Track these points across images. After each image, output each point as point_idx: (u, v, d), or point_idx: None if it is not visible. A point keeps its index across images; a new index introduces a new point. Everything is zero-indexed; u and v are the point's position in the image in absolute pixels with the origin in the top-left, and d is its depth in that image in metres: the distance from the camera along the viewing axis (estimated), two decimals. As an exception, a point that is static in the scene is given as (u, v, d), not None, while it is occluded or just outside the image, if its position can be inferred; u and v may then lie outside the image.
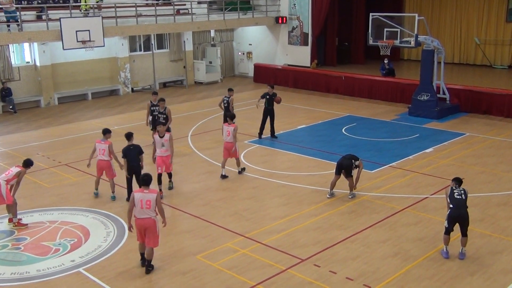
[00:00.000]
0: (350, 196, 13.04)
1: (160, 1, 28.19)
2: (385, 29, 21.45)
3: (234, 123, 14.76)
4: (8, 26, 21.76)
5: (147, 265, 9.83)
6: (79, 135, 19.50)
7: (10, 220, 11.86)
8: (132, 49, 28.27)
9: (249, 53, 32.22)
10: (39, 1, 23.98)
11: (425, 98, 21.27)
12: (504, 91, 21.47)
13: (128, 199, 12.90)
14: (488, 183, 13.93)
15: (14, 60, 24.41)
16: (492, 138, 18.20)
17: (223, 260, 10.14)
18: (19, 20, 21.80)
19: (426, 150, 16.89)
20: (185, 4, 28.98)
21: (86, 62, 26.25)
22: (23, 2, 23.70)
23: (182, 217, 12.21)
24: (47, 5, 23.12)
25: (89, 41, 22.72)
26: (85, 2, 23.94)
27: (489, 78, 25.35)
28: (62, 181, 14.65)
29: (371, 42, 21.96)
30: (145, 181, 9.63)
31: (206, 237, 11.10)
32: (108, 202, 13.05)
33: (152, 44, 27.98)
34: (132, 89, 28.05)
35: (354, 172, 12.92)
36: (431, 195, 13.19)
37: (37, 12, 23.67)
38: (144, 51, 28.63)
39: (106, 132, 13.34)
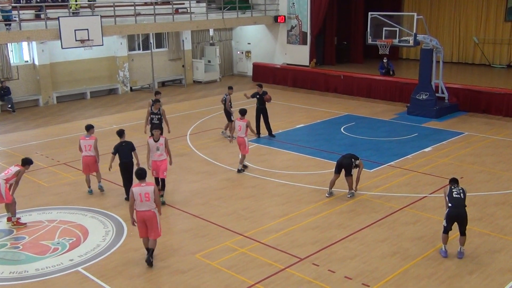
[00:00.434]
0: (349, 195, 13.05)
1: (159, 0, 28.17)
2: (384, 28, 21.46)
3: (245, 118, 15.06)
4: (6, 25, 21.74)
5: (150, 254, 9.99)
6: (78, 134, 19.43)
7: (9, 219, 11.86)
8: (131, 48, 28.25)
9: (248, 52, 32.21)
10: (38, 0, 23.96)
11: (424, 97, 21.28)
12: (503, 90, 21.49)
13: (127, 198, 12.97)
14: (487, 182, 13.94)
15: (13, 59, 24.39)
16: (490, 137, 18.22)
17: (222, 259, 10.14)
18: (16, 19, 21.77)
19: (425, 149, 16.90)
20: (184, 3, 28.96)
21: (84, 61, 26.23)
22: (21, 1, 23.69)
23: (181, 216, 12.21)
24: (46, 4, 23.10)
25: (88, 40, 22.72)
26: (75, 1, 23.78)
27: (488, 77, 25.36)
28: (60, 180, 14.65)
29: (369, 41, 21.95)
30: (140, 175, 9.95)
31: (205, 236, 11.10)
32: (106, 202, 13.04)
33: (150, 43, 27.96)
34: (130, 88, 28.03)
35: (354, 172, 12.93)
36: (430, 194, 13.20)
37: (35, 11, 23.66)
38: (143, 50, 28.61)
39: (90, 127, 13.59)
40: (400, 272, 9.63)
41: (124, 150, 12.82)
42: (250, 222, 11.75)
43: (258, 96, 18.13)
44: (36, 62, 24.55)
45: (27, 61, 24.74)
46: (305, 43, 29.31)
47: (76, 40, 22.47)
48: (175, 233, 11.31)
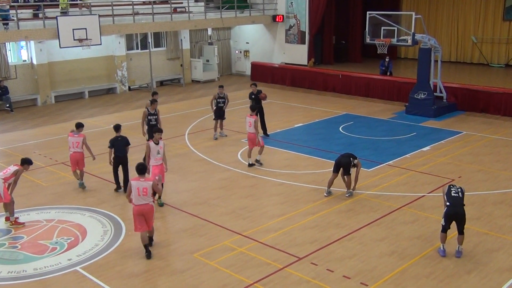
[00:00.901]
0: (347, 195, 13.05)
1: (157, -1, 28.18)
2: (382, 28, 21.46)
3: (254, 114, 15.29)
4: (4, 24, 21.71)
5: (150, 240, 10.49)
6: (76, 133, 19.45)
7: (7, 219, 11.84)
8: (129, 47, 28.22)
9: (246, 51, 32.20)
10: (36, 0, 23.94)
11: (422, 96, 21.29)
12: (501, 90, 21.51)
13: (116, 189, 13.64)
14: (485, 182, 13.95)
15: (11, 59, 24.36)
16: (488, 136, 18.23)
17: (220, 258, 10.14)
18: (14, 18, 21.74)
19: (423, 148, 16.91)
20: (182, 2, 28.96)
21: (83, 60, 26.20)
22: (19, 0, 23.65)
23: (179, 215, 12.21)
24: (44, 3, 23.06)
25: (86, 39, 22.70)
26: (64, 0, 23.63)
27: (486, 76, 25.38)
28: (59, 180, 14.63)
29: (368, 40, 21.95)
30: (140, 170, 10.20)
31: (203, 236, 11.09)
32: (105, 201, 13.03)
33: (149, 42, 27.94)
34: (129, 87, 28.01)
35: (352, 171, 12.93)
36: (428, 193, 13.21)
37: (33, 10, 23.62)
38: (141, 49, 28.57)
39: (79, 126, 13.90)
40: (398, 271, 9.63)
41: (119, 145, 13.28)
42: (248, 222, 11.74)
43: (253, 96, 18.13)
44: (34, 62, 24.52)
45: (25, 61, 24.71)
46: (303, 42, 29.31)
47: (74, 40, 22.45)
48: (173, 233, 11.31)
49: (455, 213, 9.91)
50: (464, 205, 10.02)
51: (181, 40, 29.58)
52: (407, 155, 16.23)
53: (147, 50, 27.75)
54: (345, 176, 12.98)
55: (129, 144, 13.40)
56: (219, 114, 18.26)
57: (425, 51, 21.25)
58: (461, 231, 10.05)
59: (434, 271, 9.62)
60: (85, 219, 12.01)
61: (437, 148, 16.98)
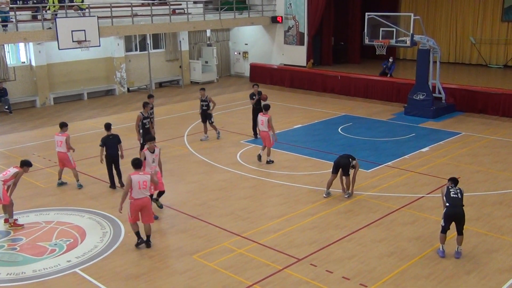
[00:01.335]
0: (346, 196, 13.05)
1: (155, 1, 28.15)
2: (381, 29, 21.46)
3: (267, 113, 15.49)
4: (3, 26, 21.70)
5: (147, 240, 10.67)
6: (75, 135, 19.39)
7: (6, 221, 11.83)
8: (128, 49, 28.22)
9: (245, 52, 32.21)
10: (35, 1, 23.91)
11: (421, 97, 21.30)
12: (500, 90, 21.52)
13: (111, 187, 13.89)
14: (484, 182, 13.96)
15: (10, 60, 24.34)
16: (487, 137, 18.24)
17: (220, 260, 10.13)
18: (13, 20, 21.73)
19: (422, 149, 16.91)
20: (181, 4, 28.96)
21: (81, 62, 26.19)
22: (18, 2, 23.63)
23: (178, 217, 12.20)
24: (43, 5, 23.05)
25: (85, 41, 22.67)
26: (53, 2, 23.48)
27: (485, 77, 25.41)
28: (57, 181, 14.61)
29: (367, 41, 21.94)
30: (137, 165, 10.54)
31: (202, 237, 11.09)
32: (104, 203, 13.02)
33: (147, 44, 27.93)
34: (128, 89, 28.00)
35: (351, 172, 12.93)
36: (427, 194, 13.21)
37: (32, 12, 23.60)
38: (140, 51, 28.58)
39: (64, 125, 14.08)
40: (397, 272, 9.63)
41: (111, 143, 13.62)
42: (248, 223, 11.74)
43: (254, 97, 18.09)
44: (33, 63, 24.51)
45: (24, 62, 24.69)
46: (302, 43, 29.32)
47: (73, 41, 22.41)
48: (172, 234, 11.30)
49: (454, 213, 9.92)
50: (463, 205, 10.02)
51: (180, 41, 29.58)
52: (406, 156, 16.23)
53: (146, 52, 27.75)
54: (344, 177, 12.98)
55: (120, 142, 13.76)
56: (204, 117, 18.21)
57: (423, 52, 21.27)
58: (460, 232, 10.05)
59: (434, 272, 9.62)
60: (84, 221, 11.99)
61: (436, 149, 16.99)
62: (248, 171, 15.17)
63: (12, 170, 11.72)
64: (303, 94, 26.78)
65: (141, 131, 15.43)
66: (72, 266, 10.02)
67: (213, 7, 30.79)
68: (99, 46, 23.81)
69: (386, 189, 13.59)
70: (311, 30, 28.95)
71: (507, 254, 10.23)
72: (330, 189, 13.18)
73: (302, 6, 28.98)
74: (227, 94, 27.16)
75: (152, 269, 9.90)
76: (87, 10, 23.94)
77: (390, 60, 25.44)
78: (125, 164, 13.93)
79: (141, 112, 15.50)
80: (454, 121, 20.65)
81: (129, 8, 25.68)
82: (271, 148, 15.78)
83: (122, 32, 25.27)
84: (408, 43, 20.79)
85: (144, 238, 10.71)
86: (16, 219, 11.94)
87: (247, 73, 31.75)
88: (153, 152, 11.90)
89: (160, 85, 29.65)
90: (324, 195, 13.13)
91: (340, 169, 12.94)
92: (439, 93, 22.15)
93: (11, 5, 22.45)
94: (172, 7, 28.07)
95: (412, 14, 20.81)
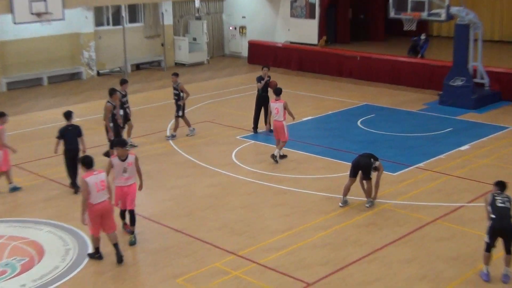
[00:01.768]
0: (367, 205, 13.00)
1: (132, -36, 28.09)
2: (410, -1, 21.43)
3: (281, 98, 15.95)
4: None
5: (118, 252, 10.68)
6: (32, 129, 19.38)
7: None
8: (98, 23, 28.16)
9: (243, 27, 32.17)
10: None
11: (459, 83, 21.27)
12: (556, 75, 21.49)
13: (72, 184, 13.98)
14: (538, 188, 13.90)
15: (-48, 36, 24.29)
16: (541, 132, 18.25)
17: (210, 284, 10.07)
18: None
19: (461, 147, 16.89)
20: (163, -32, 28.91)
21: (41, 39, 26.14)
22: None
23: (159, 230, 12.13)
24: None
25: (46, 13, 22.57)
26: None
27: (538, 59, 25.42)
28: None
29: (392, 14, 21.91)
30: (88, 163, 10.64)
31: (189, 256, 11.04)
32: (67, 213, 12.94)
33: (122, 16, 27.86)
34: (97, 72, 27.97)
35: (373, 175, 12.86)
36: (468, 203, 13.17)
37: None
38: (113, 25, 28.54)
39: (1, 115, 14.17)
40: (431, 300, 9.58)
41: (70, 135, 13.82)
42: (245, 238, 11.69)
43: (262, 81, 18.02)
44: (-19, 40, 24.47)
45: (-30, 39, 24.67)
46: (312, 16, 29.26)
47: (31, 14, 22.31)
48: (151, 252, 11.24)
49: (501, 227, 9.85)
50: (513, 217, 9.96)
51: (162, 13, 29.53)
52: (441, 156, 16.19)
53: (120, 26, 27.67)
54: (365, 182, 12.93)
55: (82, 135, 13.93)
56: (176, 109, 18.05)
57: (462, 27, 21.22)
58: (509, 250, 9.99)
59: (476, 300, 9.56)
60: (42, 235, 11.91)
61: (478, 146, 16.95)
62: (245, 174, 15.10)
63: None
64: (314, 78, 26.73)
65: (111, 125, 15.46)
66: (26, 292, 9.94)
67: (203, -29, 30.77)
68: (63, 19, 23.72)
69: (416, 197, 13.53)
70: (324, 0, 28.87)
71: None
72: (347, 197, 13.11)
73: (313, -29, 28.95)
74: (220, 79, 27.12)
75: (126, 295, 9.83)
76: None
77: (423, 37, 25.39)
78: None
79: (108, 101, 15.47)
80: (500, 112, 20.64)
81: (100, -27, 25.62)
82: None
83: (91, 2, 25.21)
84: (443, 16, 20.74)
85: (115, 250, 10.70)
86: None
87: (244, 52, 31.71)
88: (124, 160, 11.25)
89: (138, 67, 29.63)
90: (340, 204, 13.07)
91: (360, 172, 12.87)
92: (482, 78, 22.10)
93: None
94: (152, -29, 28.02)
95: (448, -19, 20.75)
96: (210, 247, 11.36)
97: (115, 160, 11.31)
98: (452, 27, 25.21)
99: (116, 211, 11.51)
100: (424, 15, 21.22)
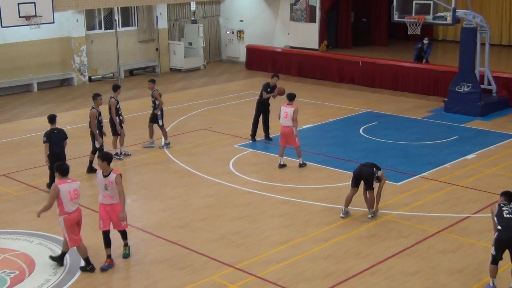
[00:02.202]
0: (370, 216, 13.05)
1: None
2: (414, 2, 21.49)
3: (293, 104, 16.06)
4: None
5: (88, 263, 10.93)
6: (21, 137, 19.42)
7: None
8: (90, 26, 28.21)
9: (240, 32, 32.23)
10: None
11: (465, 89, 21.31)
12: None
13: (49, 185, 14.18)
14: (546, 199, 13.95)
15: None
16: (551, 140, 18.31)
17: (207, 298, 10.11)
18: None
19: (467, 156, 16.94)
20: (158, -31, 29.00)
21: (30, 43, 26.18)
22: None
23: (153, 242, 12.17)
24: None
25: (35, 16, 22.63)
26: None
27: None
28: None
29: (396, 18, 21.97)
30: (65, 170, 10.76)
31: (184, 269, 11.06)
32: (57, 224, 12.94)
33: (115, 20, 27.93)
34: (89, 78, 27.99)
35: (376, 185, 12.93)
36: (474, 214, 13.21)
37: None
38: (105, 29, 28.57)
39: None
40: (435, 314, 9.64)
41: (56, 139, 14.19)
42: (243, 250, 11.73)
43: (269, 89, 18.10)
44: (-32, 45, 24.53)
45: (-44, 43, 24.72)
46: (313, 20, 29.33)
47: (19, 17, 22.36)
48: (146, 264, 11.27)
49: (508, 239, 9.88)
50: (520, 229, 10.02)
51: (157, 17, 29.58)
52: (446, 165, 16.25)
53: (113, 30, 27.75)
54: (367, 192, 12.99)
55: (67, 138, 14.40)
56: (152, 117, 17.89)
57: (469, 31, 21.29)
58: (516, 263, 10.04)
59: (482, 314, 9.62)
60: (33, 247, 11.92)
61: (484, 155, 17.01)
62: (243, 184, 15.15)
63: None
64: (315, 85, 26.79)
65: (97, 131, 15.65)
66: (16, 306, 10.00)
67: (199, -27, 30.87)
68: (53, 22, 23.77)
69: (420, 208, 13.58)
70: (325, 3, 28.99)
71: None
72: (349, 207, 13.17)
73: (314, -27, 29.05)
74: (217, 85, 27.17)
75: (119, 309, 9.88)
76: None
77: (425, 41, 25.44)
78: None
79: (94, 108, 15.65)
80: (507, 120, 20.69)
81: (92, -25, 25.70)
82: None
83: (82, 5, 25.25)
84: (449, 20, 20.80)
85: (87, 262, 10.98)
86: None
87: (242, 57, 31.78)
88: (106, 176, 10.91)
89: (131, 73, 29.66)
90: (342, 215, 13.12)
91: (362, 182, 12.93)
92: (489, 84, 22.17)
93: None
94: (146, -27, 28.10)
95: (454, -17, 20.85)
96: (206, 259, 11.39)
97: (99, 172, 11.06)
98: (458, 31, 25.31)
99: (95, 238, 11.61)
100: (429, 18, 21.32)
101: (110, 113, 16.66)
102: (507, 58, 27.18)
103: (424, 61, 25.42)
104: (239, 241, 12.14)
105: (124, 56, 28.71)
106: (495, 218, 10.07)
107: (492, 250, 10.06)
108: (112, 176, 10.85)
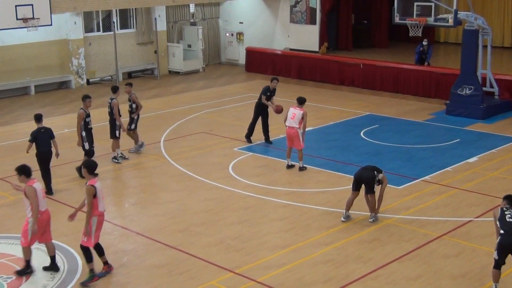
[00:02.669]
0: (371, 220, 13.04)
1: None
2: (416, 3, 21.49)
3: (302, 107, 16.03)
4: None
5: (53, 261, 11.06)
6: (19, 140, 19.37)
7: None
8: (88, 29, 28.22)
9: (240, 34, 32.25)
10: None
11: (467, 92, 21.32)
12: None
13: (48, 193, 14.29)
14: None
15: None
16: (554, 143, 18.31)
17: (206, 303, 10.10)
18: None
19: (469, 159, 16.94)
20: (156, -29, 29.01)
21: (28, 45, 26.18)
22: None
23: (152, 247, 12.16)
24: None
25: (33, 18, 22.63)
26: None
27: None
28: (-4, 201, 14.61)
29: (397, 20, 21.98)
30: (28, 171, 10.78)
31: (183, 274, 11.05)
32: (55, 229, 12.93)
33: (113, 22, 27.95)
34: (87, 80, 28.00)
35: (377, 188, 12.92)
36: (476, 218, 13.21)
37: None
38: (104, 31, 28.58)
39: None
40: (438, 319, 9.62)
41: (43, 138, 14.44)
42: (242, 255, 11.72)
43: (269, 93, 18.08)
44: (-35, 47, 24.53)
45: (-47, 46, 24.72)
46: (313, 22, 29.35)
47: (17, 19, 22.36)
48: (144, 269, 11.26)
49: (511, 243, 9.87)
50: (523, 233, 10.00)
51: (155, 19, 29.58)
52: (448, 168, 16.25)
53: (111, 33, 27.76)
54: (369, 196, 12.98)
55: (54, 137, 14.61)
56: (129, 122, 17.79)
57: (470, 33, 21.29)
58: (519, 267, 10.02)
59: (485, 319, 9.60)
60: (29, 252, 11.92)
61: (487, 158, 17.01)
62: (243, 188, 15.14)
63: None
64: (315, 87, 26.80)
65: (83, 134, 15.59)
66: (13, 312, 9.98)
67: (198, -25, 30.86)
68: (51, 25, 23.77)
69: (422, 211, 13.57)
70: (325, 5, 29.00)
71: None
72: (349, 211, 13.16)
73: (314, -26, 29.08)
74: (216, 88, 27.17)
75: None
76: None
77: (425, 43, 25.39)
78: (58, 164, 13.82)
79: (82, 109, 15.68)
80: (509, 122, 20.71)
81: (90, -24, 25.71)
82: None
83: (80, 7, 25.25)
84: (451, 22, 20.81)
85: (48, 261, 11.11)
86: None
87: (242, 60, 31.80)
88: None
89: (130, 75, 29.65)
90: (342, 219, 13.11)
91: (363, 185, 12.92)
92: (491, 86, 22.18)
93: None
94: (145, -26, 28.11)
95: (455, -15, 20.85)
96: (206, 264, 11.38)
97: (98, 184, 10.62)
98: (460, 33, 25.30)
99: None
100: (430, 20, 21.31)
101: (111, 114, 16.68)
102: (509, 60, 27.18)
103: (426, 63, 25.39)
104: (239, 245, 12.13)
105: (123, 59, 28.73)
106: (498, 222, 10.07)
107: (495, 255, 10.05)
108: (88, 188, 10.45)
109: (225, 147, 18.34)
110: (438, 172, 15.97)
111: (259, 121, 18.48)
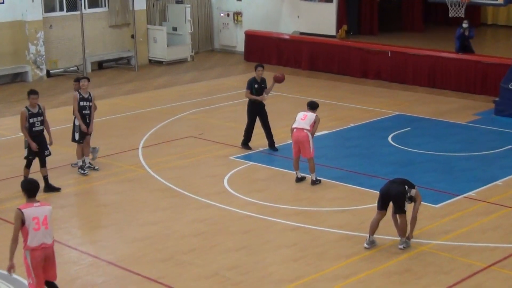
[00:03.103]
0: (401, 246, 13.03)
1: None
2: (457, -24, 21.62)
3: (315, 112, 16.42)
4: None
5: None
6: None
7: None
8: (49, 8, 28.28)
9: (237, 14, 32.28)
10: None
11: (521, 87, 21.39)
12: None
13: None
14: None
15: None
16: None
17: None
18: None
19: (524, 171, 16.98)
20: None
21: (-27, 28, 26.31)
22: None
23: (127, 280, 12.16)
24: None
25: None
26: None
27: None
28: None
29: (434, -3, 22.07)
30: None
31: (167, 313, 11.09)
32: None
33: (80, 0, 27.98)
34: (48, 72, 28.02)
35: (408, 207, 12.91)
36: (532, 244, 13.22)
37: None
38: (68, 11, 28.62)
39: None
40: None
41: None
42: (241, 290, 11.72)
43: (256, 85, 18.07)
44: None
45: None
46: (330, 0, 29.40)
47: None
48: (119, 308, 11.29)
49: None
50: None
51: (133, -4, 29.68)
52: (498, 182, 16.26)
53: (78, 12, 27.79)
54: (398, 216, 12.96)
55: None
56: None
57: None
58: None
59: None
60: None
61: (545, 170, 17.05)
62: (241, 206, 15.16)
63: None
64: (331, 80, 26.84)
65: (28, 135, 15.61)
66: None
67: None
68: (3, 3, 23.86)
69: (465, 236, 13.58)
70: (343, -22, 29.12)
71: None
72: (374, 235, 13.16)
73: None
74: (208, 81, 27.20)
75: None
76: None
77: (465, 25, 25.16)
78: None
79: (26, 107, 15.68)
80: None
81: None
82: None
83: (39, -19, 25.34)
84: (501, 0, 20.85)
85: None
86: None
87: (240, 46, 31.84)
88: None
89: (100, 66, 29.69)
90: (366, 245, 13.10)
91: (391, 203, 12.92)
92: (550, 80, 22.23)
93: None
94: None
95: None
96: (195, 301, 11.46)
97: (30, 210, 10.19)
98: (511, 14, 25.38)
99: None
100: (475, -3, 21.42)
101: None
102: None
103: (469, 51, 25.31)
104: (237, 278, 12.12)
105: (92, 45, 28.76)
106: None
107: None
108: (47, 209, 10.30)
109: (219, 155, 18.35)
110: (484, 187, 15.97)
111: (259, 124, 18.45)
